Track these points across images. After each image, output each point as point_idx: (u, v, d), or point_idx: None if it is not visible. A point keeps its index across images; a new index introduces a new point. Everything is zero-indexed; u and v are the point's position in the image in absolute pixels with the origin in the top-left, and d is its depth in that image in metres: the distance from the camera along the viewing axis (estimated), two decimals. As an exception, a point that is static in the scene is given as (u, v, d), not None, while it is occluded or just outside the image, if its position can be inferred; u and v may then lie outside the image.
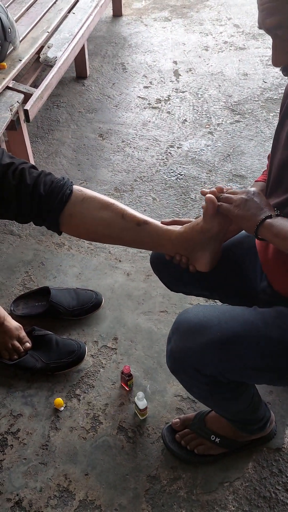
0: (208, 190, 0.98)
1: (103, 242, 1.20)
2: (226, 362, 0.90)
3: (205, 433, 1.19)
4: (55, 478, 1.19)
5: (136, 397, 1.26)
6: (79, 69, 2.62)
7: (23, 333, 1.42)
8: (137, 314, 1.55)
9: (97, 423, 1.29)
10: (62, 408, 1.31)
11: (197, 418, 1.22)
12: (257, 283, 1.10)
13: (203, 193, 0.99)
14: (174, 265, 1.14)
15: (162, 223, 1.11)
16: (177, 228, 1.09)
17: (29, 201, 1.13)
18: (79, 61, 2.55)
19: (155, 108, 2.44)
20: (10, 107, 1.64)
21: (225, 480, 1.18)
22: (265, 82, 2.59)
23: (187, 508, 1.14)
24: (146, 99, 2.50)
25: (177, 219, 1.11)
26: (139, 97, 2.52)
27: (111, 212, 1.12)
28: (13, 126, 1.68)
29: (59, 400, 1.31)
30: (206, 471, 1.19)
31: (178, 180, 2.03)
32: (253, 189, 0.94)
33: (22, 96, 1.71)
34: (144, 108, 2.44)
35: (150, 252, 1.77)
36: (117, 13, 3.23)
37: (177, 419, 1.24)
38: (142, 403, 1.25)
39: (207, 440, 1.19)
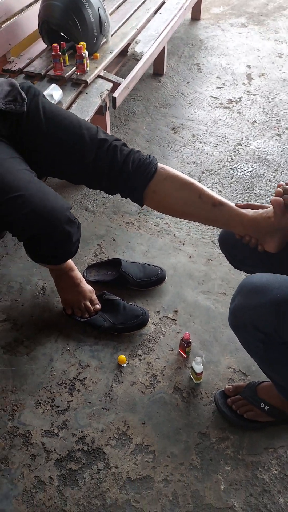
0: (279, 188, 1.07)
1: (180, 218, 1.32)
2: (282, 323, 1.00)
3: (255, 401, 1.29)
4: (115, 422, 1.33)
5: (194, 361, 1.38)
6: (157, 66, 2.77)
7: (94, 296, 1.57)
8: (197, 293, 1.67)
9: (155, 382, 1.42)
10: (125, 365, 1.45)
11: (249, 386, 1.33)
12: None
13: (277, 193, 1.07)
14: (240, 245, 1.26)
15: (236, 205, 1.22)
16: (250, 212, 1.19)
17: (118, 176, 1.28)
18: (158, 59, 2.70)
19: (226, 108, 2.56)
20: (100, 94, 1.81)
21: (270, 446, 1.28)
22: None
23: (232, 465, 1.25)
24: (218, 99, 2.62)
25: (251, 203, 1.21)
26: (211, 96, 2.64)
27: (190, 192, 1.24)
28: (100, 111, 1.85)
29: (122, 357, 1.45)
30: (253, 435, 1.30)
31: (244, 176, 2.14)
32: None
33: (111, 84, 1.88)
34: (216, 107, 2.56)
35: (212, 238, 1.88)
36: (195, 16, 3.37)
37: (230, 386, 1.35)
38: (199, 367, 1.37)
39: (256, 407, 1.29)
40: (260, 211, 1.17)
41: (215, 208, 1.21)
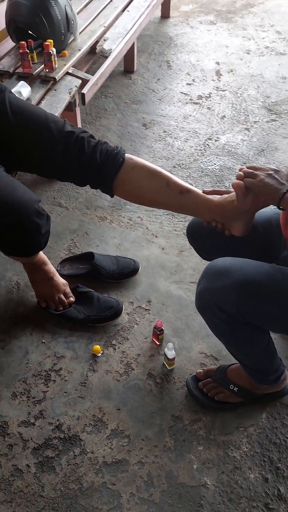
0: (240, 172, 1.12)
1: (149, 206, 1.36)
2: (244, 303, 1.05)
3: (225, 383, 1.34)
4: (91, 409, 1.36)
5: (166, 348, 1.42)
6: (127, 64, 2.81)
7: (68, 289, 1.60)
8: (169, 283, 1.71)
9: (130, 369, 1.45)
10: (100, 354, 1.48)
11: (219, 369, 1.38)
12: (280, 253, 1.25)
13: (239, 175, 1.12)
14: (207, 235, 1.31)
15: (203, 192, 1.26)
16: (215, 198, 1.24)
17: (87, 168, 1.31)
18: (128, 56, 2.74)
19: (196, 103, 2.61)
20: (69, 90, 1.84)
21: (240, 426, 1.33)
22: (302, 86, 2.72)
23: (205, 445, 1.29)
24: (188, 95, 2.67)
25: (218, 189, 1.26)
26: (181, 92, 2.69)
27: (158, 180, 1.29)
28: (70, 107, 1.87)
29: (97, 347, 1.49)
30: (224, 416, 1.34)
31: (214, 169, 2.19)
32: (273, 165, 1.09)
33: (79, 81, 1.90)
34: (186, 103, 2.61)
35: (184, 230, 1.93)
36: (165, 14, 3.42)
37: (201, 370, 1.40)
38: (171, 353, 1.41)
39: (226, 389, 1.34)
40: (225, 196, 1.21)
41: (182, 195, 1.26)
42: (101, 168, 1.30)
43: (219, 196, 1.24)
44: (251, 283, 1.05)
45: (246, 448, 1.29)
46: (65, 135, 1.29)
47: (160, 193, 1.28)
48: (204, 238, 1.34)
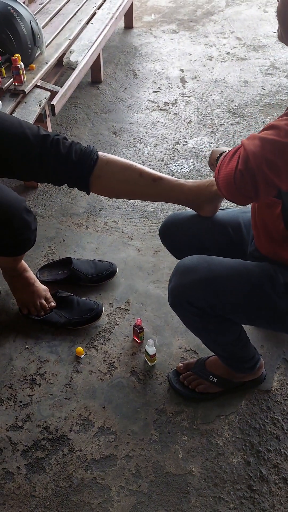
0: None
1: (125, 198, 1.43)
2: (212, 297, 1.12)
3: (204, 374, 1.41)
4: (77, 409, 1.40)
5: (146, 344, 1.47)
6: (94, 75, 2.87)
7: (49, 294, 1.64)
8: (147, 283, 1.77)
9: (113, 368, 1.50)
10: (83, 356, 1.53)
11: (198, 362, 1.44)
12: (247, 249, 1.33)
13: None
14: (178, 235, 1.38)
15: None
16: (188, 182, 1.32)
17: (64, 167, 1.36)
18: (95, 67, 2.80)
19: (163, 110, 2.69)
20: (39, 102, 1.89)
21: (221, 414, 1.39)
22: (264, 89, 2.84)
23: (189, 435, 1.35)
24: (155, 102, 2.76)
25: None
26: (148, 100, 2.77)
27: (131, 171, 1.36)
28: (40, 119, 1.92)
29: (80, 349, 1.53)
30: (205, 406, 1.40)
31: (184, 172, 2.27)
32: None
33: (48, 93, 1.96)
34: (153, 110, 2.69)
35: (158, 231, 2.00)
36: (128, 25, 3.50)
37: (181, 364, 1.46)
38: (151, 349, 1.47)
39: (206, 380, 1.40)
40: (202, 180, 1.30)
41: (156, 183, 1.33)
42: (76, 166, 1.36)
43: (192, 181, 1.32)
44: (216, 278, 1.12)
45: (228, 434, 1.35)
46: (40, 138, 1.34)
47: (134, 183, 1.35)
48: (175, 238, 1.40)
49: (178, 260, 1.79)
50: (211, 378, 1.40)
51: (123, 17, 3.38)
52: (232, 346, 1.26)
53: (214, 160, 1.22)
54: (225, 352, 1.30)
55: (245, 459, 1.30)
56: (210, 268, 1.13)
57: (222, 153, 1.17)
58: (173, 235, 1.38)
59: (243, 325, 1.29)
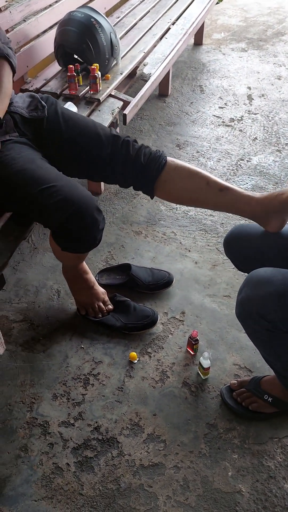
0: None
1: (189, 205, 1.44)
2: (284, 312, 1.10)
3: (259, 393, 1.37)
4: (128, 414, 1.40)
5: (201, 357, 1.46)
6: (162, 88, 2.93)
7: (106, 298, 1.66)
8: (203, 296, 1.76)
9: (165, 377, 1.50)
10: (136, 361, 1.54)
11: (253, 380, 1.41)
12: None
13: None
14: (245, 247, 1.36)
15: None
16: (256, 194, 1.31)
17: (132, 169, 1.40)
18: (163, 80, 2.85)
19: (228, 126, 2.70)
20: (112, 111, 1.95)
21: (275, 436, 1.35)
22: None
23: (239, 454, 1.32)
24: (221, 117, 2.77)
25: None
26: (214, 115, 2.79)
27: (198, 179, 1.37)
28: (112, 127, 1.97)
29: (133, 354, 1.54)
30: (258, 426, 1.37)
31: (246, 188, 2.25)
32: None
33: (121, 103, 2.01)
34: (218, 125, 2.71)
35: (217, 246, 1.99)
36: (198, 42, 3.56)
37: (235, 381, 1.44)
38: (206, 362, 1.45)
39: (260, 399, 1.37)
40: (273, 191, 1.28)
41: (222, 193, 1.33)
42: (144, 170, 1.39)
43: (259, 193, 1.30)
44: None
45: (281, 458, 1.31)
46: (112, 139, 1.39)
47: (200, 191, 1.36)
48: (240, 250, 1.39)
49: (237, 276, 1.78)
50: (266, 397, 1.36)
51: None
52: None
53: None
54: (285, 370, 1.26)
55: (297, 486, 1.25)
56: (284, 282, 1.10)
57: None
58: (238, 247, 1.37)
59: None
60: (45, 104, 1.43)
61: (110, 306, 1.65)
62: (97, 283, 1.66)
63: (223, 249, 1.92)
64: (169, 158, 1.39)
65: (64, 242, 1.36)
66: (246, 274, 1.53)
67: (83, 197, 1.29)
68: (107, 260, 1.90)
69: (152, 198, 1.42)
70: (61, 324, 1.65)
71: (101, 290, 1.65)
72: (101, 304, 1.64)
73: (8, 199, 1.33)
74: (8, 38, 1.44)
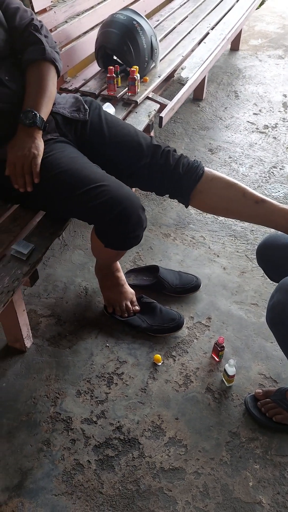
0: None
1: (223, 215, 1.45)
2: None
3: (285, 404, 1.36)
4: (150, 416, 1.40)
5: (227, 363, 1.45)
6: (196, 92, 2.92)
7: (134, 298, 1.67)
8: (230, 302, 1.75)
9: (189, 381, 1.49)
10: (160, 364, 1.53)
11: (279, 391, 1.39)
12: None
13: None
14: (277, 257, 1.35)
15: None
16: None
17: (170, 178, 1.41)
18: (198, 85, 2.85)
19: (262, 132, 2.68)
20: (148, 113, 1.95)
21: (298, 449, 1.33)
22: None
23: (261, 464, 1.30)
24: (255, 124, 2.75)
25: None
26: (248, 121, 2.77)
27: (234, 190, 1.37)
28: (147, 129, 1.99)
29: (158, 356, 1.54)
30: (281, 438, 1.35)
31: (279, 196, 2.23)
32: None
33: (158, 105, 2.02)
34: (252, 131, 2.69)
35: (246, 252, 1.97)
36: (234, 47, 3.54)
37: (260, 390, 1.42)
38: (231, 370, 1.44)
39: (285, 410, 1.35)
40: None
41: (258, 205, 1.33)
42: (182, 179, 1.40)
43: None
44: None
45: (303, 472, 1.29)
46: (152, 148, 1.41)
47: (236, 202, 1.37)
48: (272, 259, 1.38)
49: (266, 285, 1.76)
50: (291, 409, 1.35)
51: (231, 39, 3.42)
52: None
53: None
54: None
55: None
56: None
57: None
58: (271, 256, 1.36)
59: None
60: (87, 108, 1.45)
61: (137, 307, 1.65)
62: (127, 283, 1.66)
63: (252, 256, 1.92)
64: (206, 169, 1.40)
65: (108, 239, 1.36)
66: (276, 283, 1.52)
67: (129, 196, 1.30)
68: (135, 260, 1.91)
69: (187, 207, 1.42)
70: (88, 321, 1.66)
71: (130, 290, 1.66)
72: (129, 304, 1.65)
73: (52, 199, 1.34)
74: (55, 42, 1.46)
